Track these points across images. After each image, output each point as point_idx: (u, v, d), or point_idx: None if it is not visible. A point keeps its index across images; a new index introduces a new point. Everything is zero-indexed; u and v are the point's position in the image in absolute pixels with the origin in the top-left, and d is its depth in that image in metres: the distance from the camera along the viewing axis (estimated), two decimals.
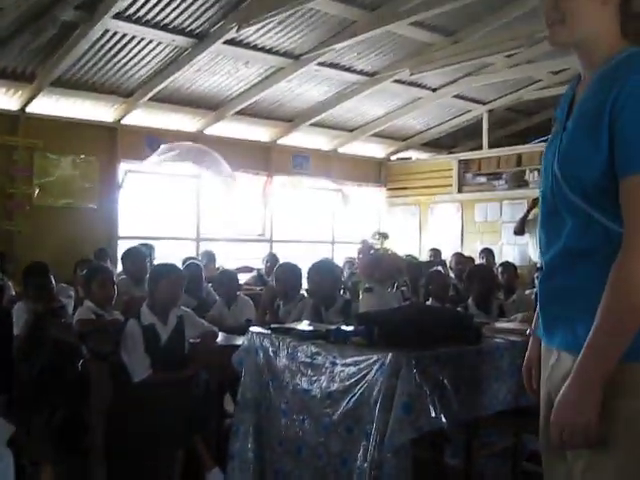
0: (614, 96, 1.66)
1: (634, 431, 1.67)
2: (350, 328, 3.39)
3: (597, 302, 1.69)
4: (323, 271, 4.91)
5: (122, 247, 9.04)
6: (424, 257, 10.77)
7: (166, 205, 10.44)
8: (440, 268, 6.93)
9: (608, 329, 1.65)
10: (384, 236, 4.01)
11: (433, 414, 2.97)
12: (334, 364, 3.23)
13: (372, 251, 4.22)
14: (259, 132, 11.25)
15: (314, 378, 3.31)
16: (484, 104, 11.94)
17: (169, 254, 8.94)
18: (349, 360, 3.16)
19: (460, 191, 12.11)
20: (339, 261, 10.05)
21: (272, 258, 9.12)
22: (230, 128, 10.78)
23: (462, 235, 11.99)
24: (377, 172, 13.28)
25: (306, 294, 5.16)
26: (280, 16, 7.65)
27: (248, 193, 11.00)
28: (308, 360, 3.36)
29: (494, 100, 11.85)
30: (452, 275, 8.33)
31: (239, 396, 3.73)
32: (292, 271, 5.30)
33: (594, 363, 1.66)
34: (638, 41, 1.83)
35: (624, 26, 1.83)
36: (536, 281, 2.20)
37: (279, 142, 11.53)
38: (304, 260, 10.49)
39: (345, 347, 3.26)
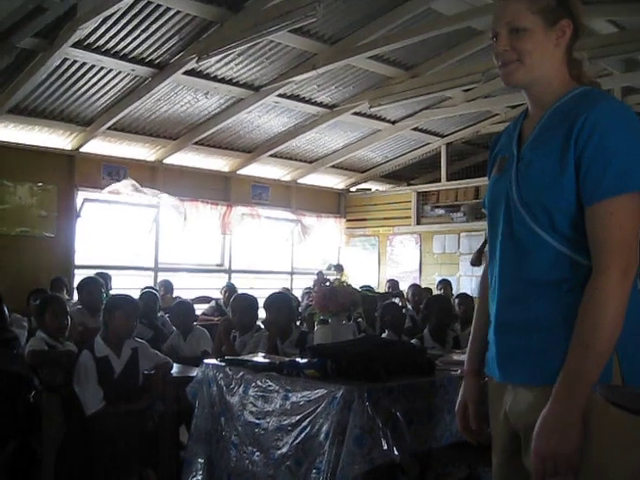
0: (579, 127, 1.75)
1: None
2: (304, 360, 3.39)
3: (563, 333, 1.74)
4: (279, 303, 4.91)
5: (79, 277, 8.97)
6: (383, 288, 10.83)
7: (124, 234, 10.36)
8: (397, 300, 6.96)
9: (588, 354, 1.68)
10: (339, 268, 4.03)
11: (385, 446, 2.98)
12: (286, 397, 3.23)
13: (327, 283, 4.23)
14: (219, 162, 11.26)
15: (266, 411, 3.30)
16: (442, 137, 12.10)
17: (127, 284, 8.88)
18: (302, 393, 3.16)
19: (419, 223, 12.21)
20: (298, 292, 10.08)
21: (230, 288, 9.11)
22: (190, 158, 10.78)
23: (420, 266, 12.07)
24: (336, 203, 13.35)
25: (262, 325, 5.15)
26: (240, 48, 7.69)
27: (207, 223, 10.95)
28: (261, 393, 3.35)
29: (452, 133, 12.01)
30: (409, 306, 8.37)
31: (192, 428, 3.71)
32: (248, 302, 5.28)
33: (576, 390, 1.67)
34: (580, 81, 1.96)
35: (570, 69, 1.96)
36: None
37: (239, 172, 11.54)
38: (263, 290, 10.55)
39: (298, 380, 3.26)
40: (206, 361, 3.85)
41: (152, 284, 9.38)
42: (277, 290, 7.53)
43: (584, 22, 1.97)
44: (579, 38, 1.98)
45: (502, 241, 1.91)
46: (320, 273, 10.78)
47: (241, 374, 3.49)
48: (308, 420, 3.09)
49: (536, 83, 1.93)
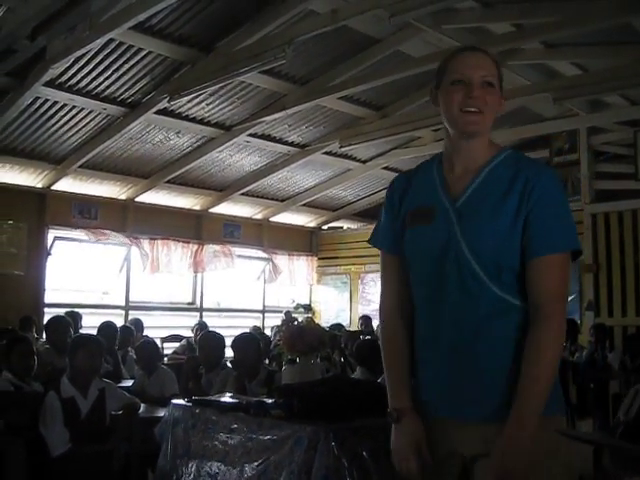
0: (528, 193, 1.94)
1: None
2: (270, 401, 3.40)
3: (509, 372, 1.91)
4: (246, 343, 4.91)
5: (49, 315, 8.89)
6: (355, 326, 10.83)
7: (95, 273, 10.31)
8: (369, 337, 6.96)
9: (536, 389, 1.87)
10: (306, 308, 4.06)
11: None
12: (252, 438, 3.23)
13: (295, 322, 4.25)
14: (190, 201, 11.27)
15: (231, 452, 3.29)
16: None
17: (97, 323, 8.80)
18: (268, 433, 3.17)
19: None
20: (269, 330, 10.07)
21: (202, 327, 9.07)
22: (161, 196, 10.79)
23: None
24: (308, 242, 13.38)
25: (230, 365, 5.14)
26: (211, 88, 7.76)
27: (178, 261, 10.92)
28: (227, 433, 3.35)
29: None
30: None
31: (156, 470, 3.69)
32: (215, 340, 5.28)
33: (529, 419, 1.85)
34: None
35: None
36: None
37: (210, 211, 11.56)
38: (234, 329, 10.51)
39: (265, 420, 3.26)
40: (173, 401, 3.85)
41: (123, 323, 9.31)
42: (247, 329, 7.52)
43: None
44: None
45: (440, 291, 2.00)
46: (288, 313, 10.76)
47: (207, 415, 3.49)
48: (274, 460, 3.09)
49: (479, 139, 2.05)
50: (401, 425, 2.04)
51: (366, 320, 10.47)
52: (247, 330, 9.82)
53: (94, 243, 9.97)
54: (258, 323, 11.71)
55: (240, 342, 4.92)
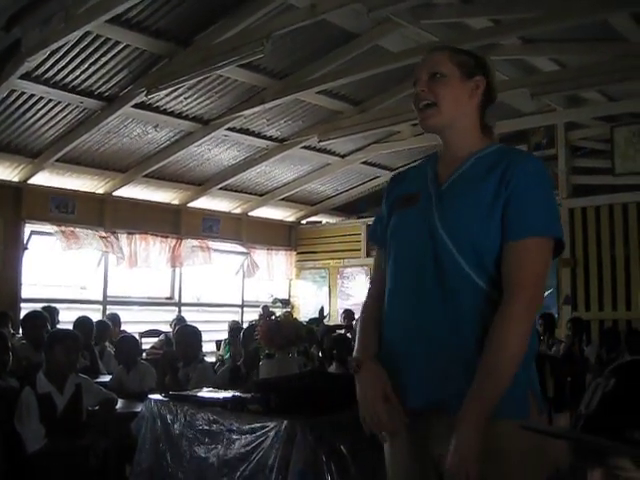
0: (509, 176, 1.91)
1: None
2: (248, 395, 3.40)
3: (472, 360, 1.84)
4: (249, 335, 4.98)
5: (25, 310, 8.82)
6: (334, 320, 10.84)
7: (72, 267, 10.24)
8: (343, 331, 6.96)
9: (490, 378, 1.80)
10: (284, 302, 4.06)
11: None
12: (231, 431, 3.23)
13: (273, 317, 4.25)
14: (169, 195, 11.22)
15: (211, 446, 3.29)
16: (391, 170, 12.20)
17: (74, 318, 8.76)
18: (246, 428, 3.17)
19: (368, 255, 12.24)
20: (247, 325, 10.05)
21: (180, 321, 9.04)
22: (139, 191, 10.72)
23: None
24: (287, 236, 13.36)
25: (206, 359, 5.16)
26: (189, 82, 7.72)
27: (156, 256, 10.88)
28: (206, 427, 3.35)
29: (401, 167, 12.10)
30: None
31: (134, 464, 3.68)
32: (192, 334, 5.27)
33: (479, 412, 1.78)
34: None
35: (482, 130, 2.10)
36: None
37: (189, 205, 11.51)
38: (213, 324, 10.49)
39: (242, 414, 3.26)
40: (150, 396, 3.84)
41: (100, 317, 9.27)
42: (225, 324, 7.51)
43: (496, 87, 2.12)
44: (492, 103, 2.12)
45: (426, 273, 1.97)
46: (265, 307, 10.76)
47: (185, 409, 3.48)
48: (254, 455, 3.09)
49: (451, 129, 2.06)
50: (361, 374, 2.04)
51: (349, 313, 10.42)
52: (226, 324, 9.91)
53: (67, 250, 9.84)
54: (237, 318, 11.69)
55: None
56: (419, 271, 1.98)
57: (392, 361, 2.02)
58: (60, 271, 10.14)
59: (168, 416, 3.56)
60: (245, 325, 9.29)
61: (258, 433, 3.11)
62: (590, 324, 9.10)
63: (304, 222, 13.55)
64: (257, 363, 4.75)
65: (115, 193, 10.49)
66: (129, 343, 5.94)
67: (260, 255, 12.56)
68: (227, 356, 7.99)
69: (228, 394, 3.58)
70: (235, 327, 8.65)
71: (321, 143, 10.18)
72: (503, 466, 1.82)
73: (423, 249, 1.98)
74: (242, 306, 12.41)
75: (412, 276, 2.00)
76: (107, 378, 5.83)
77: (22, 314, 8.70)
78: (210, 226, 11.86)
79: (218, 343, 9.77)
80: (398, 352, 2.01)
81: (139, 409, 4.05)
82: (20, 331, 7.41)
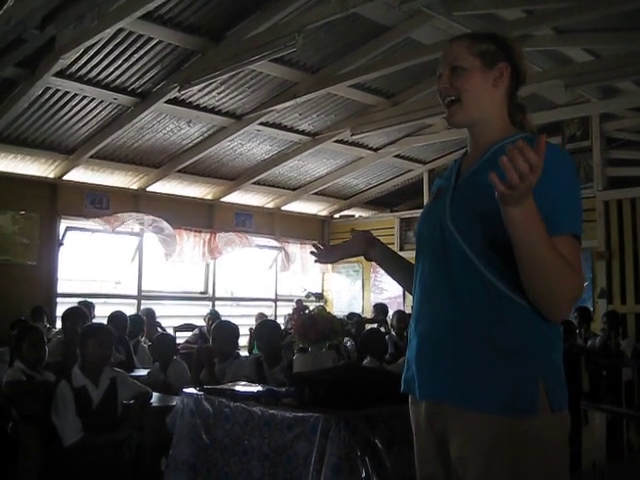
0: None
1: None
2: (282, 389, 3.40)
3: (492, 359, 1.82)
4: (270, 329, 4.96)
5: (61, 305, 8.93)
6: (368, 314, 10.81)
7: (107, 263, 10.34)
8: (376, 325, 6.94)
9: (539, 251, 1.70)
10: (318, 296, 4.06)
11: (364, 474, 2.98)
12: (267, 425, 3.23)
13: (307, 311, 4.25)
14: (202, 190, 11.28)
15: (249, 439, 3.30)
16: (424, 164, 12.18)
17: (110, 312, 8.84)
18: (281, 421, 3.17)
19: (402, 249, 12.22)
20: (281, 319, 10.08)
21: (214, 316, 9.08)
22: (173, 186, 10.80)
23: (404, 293, 12.07)
24: (320, 230, 13.37)
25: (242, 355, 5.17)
26: (222, 77, 7.74)
27: (191, 251, 10.93)
28: (242, 420, 3.35)
29: (434, 160, 12.09)
30: (393, 332, 8.36)
31: (169, 458, 3.70)
32: (229, 330, 5.29)
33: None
34: (522, 128, 2.05)
35: (510, 113, 2.05)
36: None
37: (222, 200, 11.56)
38: (246, 318, 10.50)
39: (277, 409, 3.26)
40: (185, 390, 3.85)
41: (135, 312, 9.34)
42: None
43: (524, 68, 2.06)
44: (522, 84, 2.07)
45: (437, 263, 1.98)
46: (299, 301, 10.76)
47: (225, 403, 3.49)
48: (291, 449, 3.09)
49: (476, 123, 2.03)
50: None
51: (382, 307, 10.30)
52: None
53: (109, 233, 9.93)
54: (270, 312, 11.72)
55: (263, 328, 4.95)
56: (431, 261, 2.00)
57: (409, 351, 2.06)
58: (95, 266, 10.23)
59: (204, 410, 3.57)
60: (280, 320, 9.32)
61: (293, 426, 3.11)
62: (626, 317, 8.99)
63: (337, 216, 13.54)
64: (280, 359, 4.77)
65: (149, 188, 10.57)
66: (166, 342, 5.97)
67: (293, 249, 12.55)
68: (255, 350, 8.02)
69: (262, 388, 3.59)
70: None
71: (353, 137, 10.16)
72: (503, 465, 1.80)
73: (434, 241, 1.99)
74: (276, 300, 12.45)
75: (425, 267, 2.03)
76: (142, 372, 5.88)
77: (58, 309, 8.83)
78: (243, 220, 11.91)
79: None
80: (413, 344, 2.03)
81: (174, 403, 4.07)
82: (56, 325, 7.50)
